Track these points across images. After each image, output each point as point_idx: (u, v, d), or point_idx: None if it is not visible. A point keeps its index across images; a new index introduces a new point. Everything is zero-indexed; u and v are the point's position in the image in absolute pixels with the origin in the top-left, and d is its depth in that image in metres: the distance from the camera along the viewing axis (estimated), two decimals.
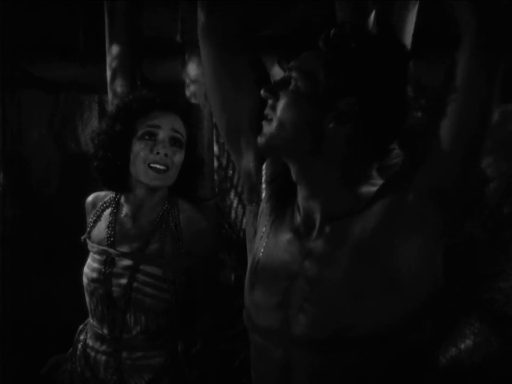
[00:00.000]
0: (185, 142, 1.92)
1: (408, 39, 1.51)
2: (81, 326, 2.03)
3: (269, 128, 1.20)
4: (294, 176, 1.23)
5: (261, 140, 1.21)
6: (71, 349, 2.02)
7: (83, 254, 2.02)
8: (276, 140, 1.19)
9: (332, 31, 1.16)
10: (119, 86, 2.51)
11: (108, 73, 2.56)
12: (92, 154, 1.96)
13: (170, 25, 2.89)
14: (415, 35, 1.52)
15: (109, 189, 1.99)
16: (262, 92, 1.21)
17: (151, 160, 1.85)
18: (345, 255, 1.13)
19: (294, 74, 1.19)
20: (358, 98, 1.13)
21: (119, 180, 1.92)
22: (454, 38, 1.06)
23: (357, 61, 1.14)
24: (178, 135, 1.89)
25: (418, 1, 1.35)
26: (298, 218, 1.23)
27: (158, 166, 1.86)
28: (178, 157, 1.89)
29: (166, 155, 1.86)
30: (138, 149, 1.86)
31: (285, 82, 1.20)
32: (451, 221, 1.12)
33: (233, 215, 3.07)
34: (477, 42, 1.03)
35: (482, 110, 1.06)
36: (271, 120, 1.20)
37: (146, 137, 1.87)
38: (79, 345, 1.97)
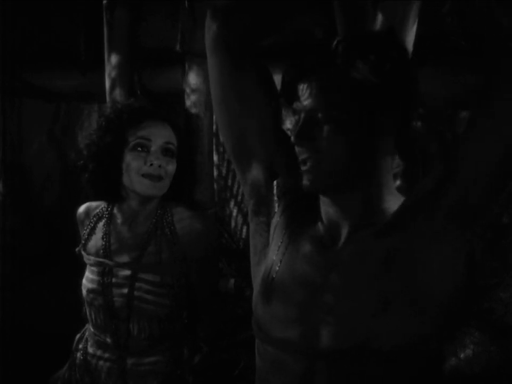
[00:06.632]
0: (176, 151, 1.93)
1: (409, 49, 1.53)
2: (78, 335, 2.03)
3: (316, 170, 1.15)
4: (321, 196, 1.21)
5: (309, 184, 1.16)
6: (70, 359, 2.02)
7: (82, 263, 2.02)
8: (331, 177, 1.16)
9: (341, 49, 1.13)
10: (118, 96, 2.52)
11: (107, 83, 2.57)
12: (81, 165, 1.95)
13: (170, 34, 2.90)
14: (415, 45, 1.54)
15: (101, 199, 2.00)
16: (294, 139, 1.16)
17: (145, 171, 1.86)
18: (372, 267, 1.12)
19: (321, 114, 1.14)
20: (398, 111, 1.14)
21: (112, 191, 1.92)
22: (451, 48, 1.09)
23: (383, 73, 1.12)
24: (170, 145, 1.91)
25: (417, 15, 1.36)
26: (321, 229, 1.21)
27: (152, 173, 1.87)
28: (171, 167, 1.90)
29: (159, 166, 1.87)
30: (131, 160, 1.87)
31: (312, 123, 1.15)
32: (471, 235, 1.14)
33: (232, 224, 3.07)
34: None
35: None
36: (316, 163, 1.15)
37: (139, 148, 1.87)
38: (79, 354, 1.97)
